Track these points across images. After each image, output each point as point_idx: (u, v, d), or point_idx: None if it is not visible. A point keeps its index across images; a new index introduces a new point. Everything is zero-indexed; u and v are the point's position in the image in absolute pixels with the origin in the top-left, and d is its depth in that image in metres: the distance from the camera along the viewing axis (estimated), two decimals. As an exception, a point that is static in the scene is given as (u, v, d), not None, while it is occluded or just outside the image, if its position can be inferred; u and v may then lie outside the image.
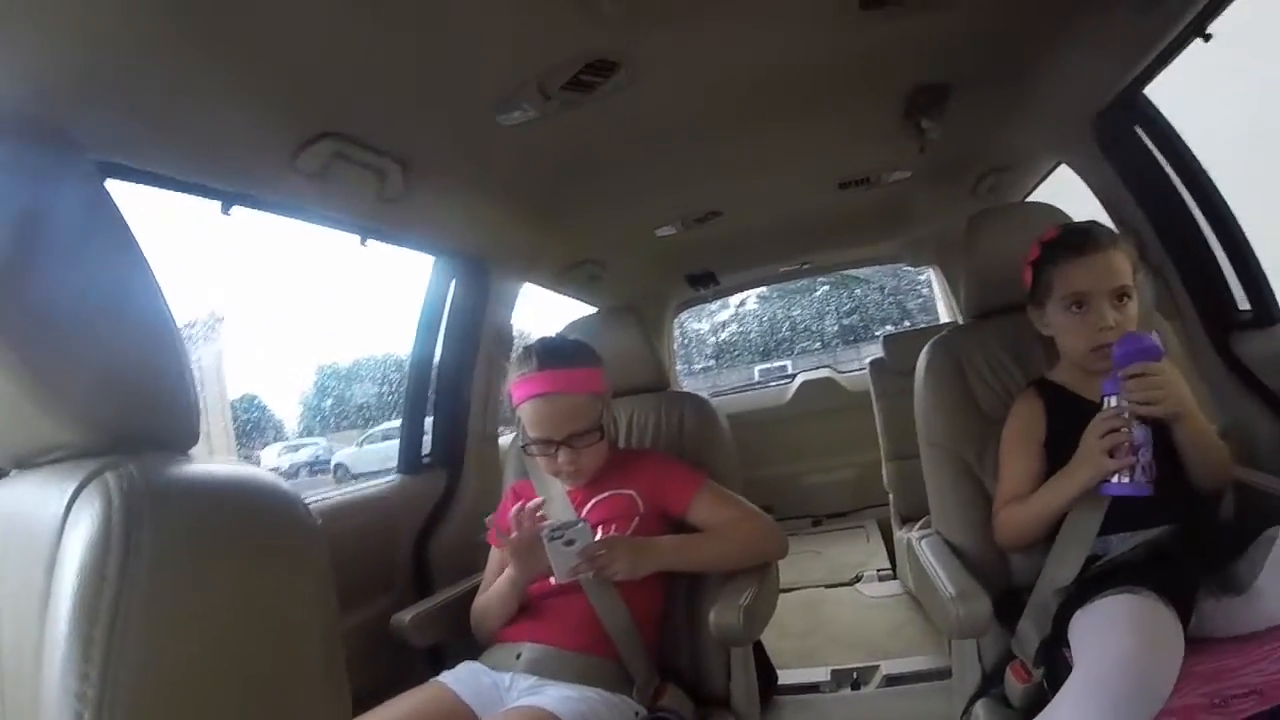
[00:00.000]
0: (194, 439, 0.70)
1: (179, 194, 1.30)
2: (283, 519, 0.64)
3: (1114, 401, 1.26)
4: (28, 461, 0.69)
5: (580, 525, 1.37)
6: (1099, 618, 1.14)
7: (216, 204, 1.37)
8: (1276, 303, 1.58)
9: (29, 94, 0.90)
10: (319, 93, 1.22)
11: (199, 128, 1.17)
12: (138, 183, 1.19)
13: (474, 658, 1.49)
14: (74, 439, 0.64)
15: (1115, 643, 1.05)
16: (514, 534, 1.43)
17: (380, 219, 1.67)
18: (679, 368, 4.88)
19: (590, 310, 2.46)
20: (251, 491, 0.64)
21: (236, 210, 1.39)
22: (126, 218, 0.71)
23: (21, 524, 0.62)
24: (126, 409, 0.66)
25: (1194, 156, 1.62)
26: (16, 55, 0.86)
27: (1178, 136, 1.62)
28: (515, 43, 1.22)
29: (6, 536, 0.65)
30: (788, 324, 24.96)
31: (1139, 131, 1.64)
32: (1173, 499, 1.29)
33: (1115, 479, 1.23)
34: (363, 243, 1.71)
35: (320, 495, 1.87)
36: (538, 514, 1.47)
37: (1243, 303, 1.61)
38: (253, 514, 0.63)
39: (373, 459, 14.45)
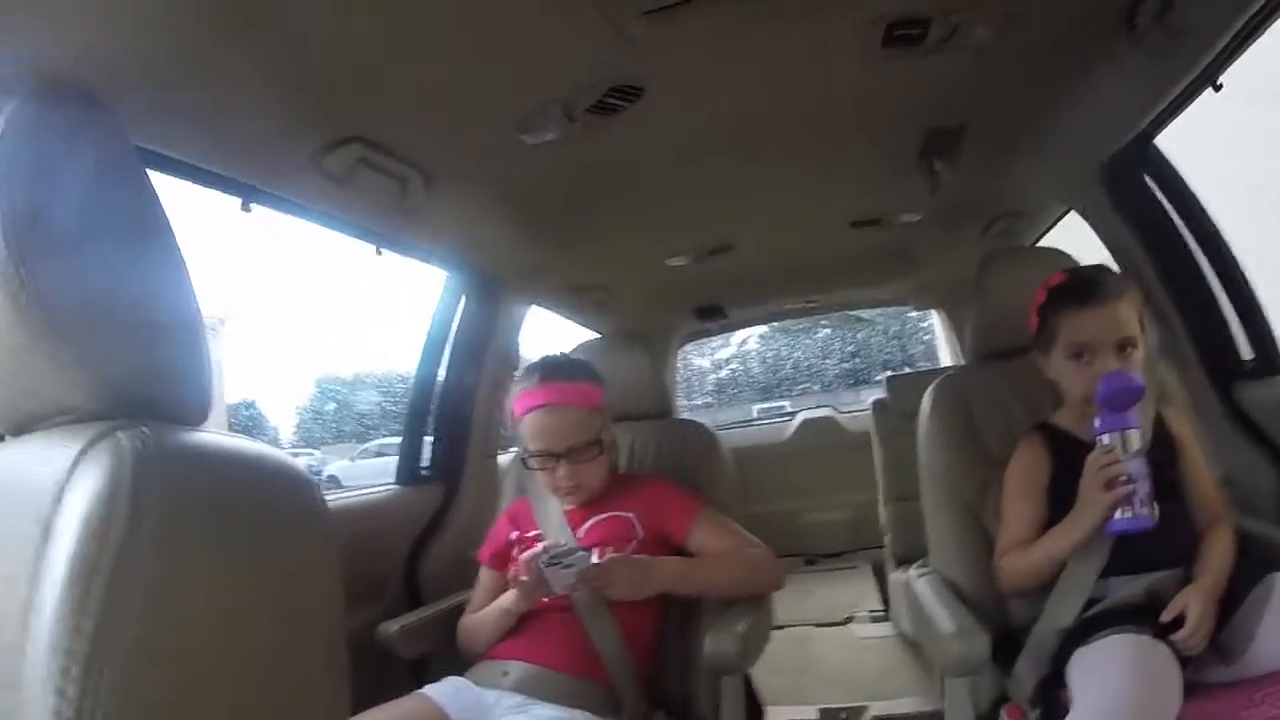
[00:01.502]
0: (205, 414, 0.69)
1: (202, 188, 1.30)
2: (295, 497, 0.64)
3: (1105, 440, 1.26)
4: (31, 425, 0.68)
5: (580, 553, 1.37)
6: (1098, 657, 1.14)
7: (236, 202, 1.37)
8: (1280, 353, 1.59)
9: (73, 62, 0.92)
10: (350, 96, 1.24)
11: (229, 119, 1.18)
12: (162, 171, 1.20)
13: (460, 673, 1.47)
14: (84, 402, 0.63)
15: (1114, 682, 1.04)
16: (523, 576, 1.40)
17: (398, 228, 1.69)
18: (679, 402, 4.88)
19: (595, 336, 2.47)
20: (265, 466, 0.63)
21: (256, 210, 1.40)
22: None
23: (20, 481, 0.60)
24: (141, 376, 0.65)
25: (1202, 206, 1.64)
26: (67, 22, 0.87)
27: (1186, 186, 1.65)
28: (545, 62, 1.24)
29: (4, 494, 0.63)
30: (790, 363, 24.99)
31: (1148, 180, 1.66)
32: (1174, 543, 1.29)
33: (1117, 515, 1.23)
34: (378, 252, 1.72)
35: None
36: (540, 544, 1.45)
37: (1246, 352, 1.62)
38: (265, 488, 0.62)
39: (366, 474, 14.36)
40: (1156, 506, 1.22)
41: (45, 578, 0.52)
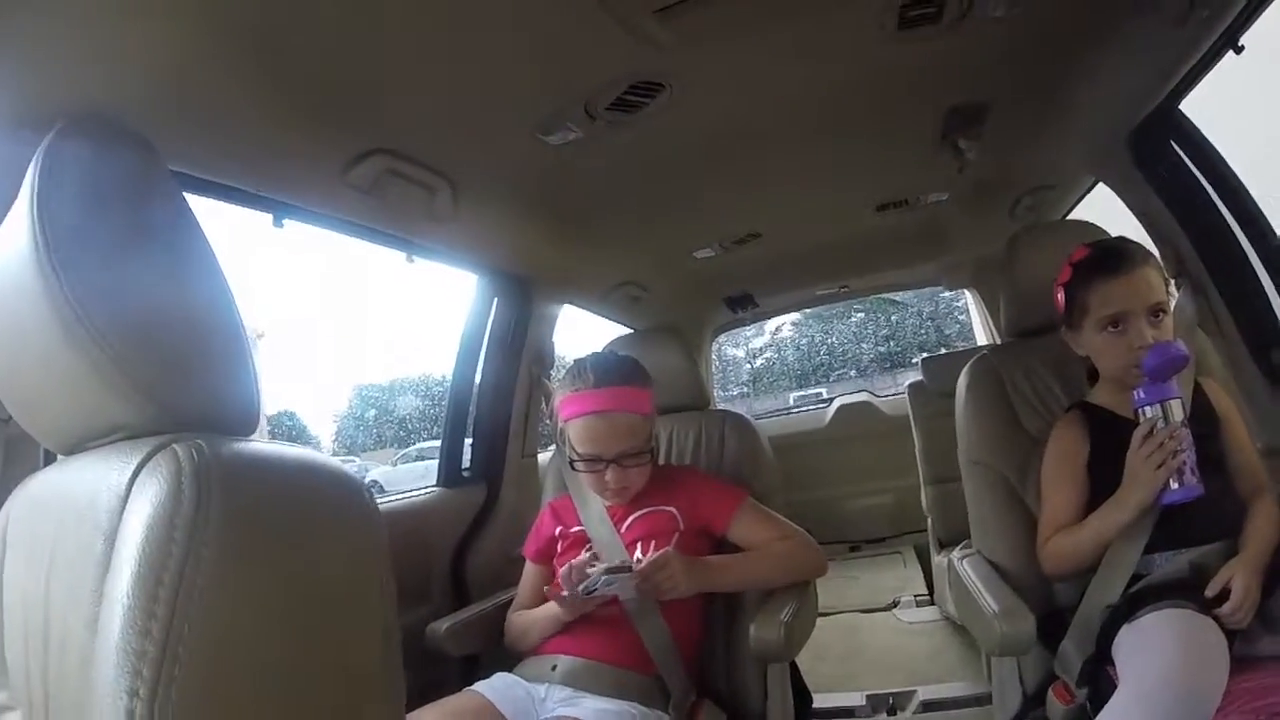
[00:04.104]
0: (254, 425, 0.72)
1: (233, 206, 1.34)
2: (347, 503, 0.65)
3: (1148, 412, 1.25)
4: (86, 444, 0.71)
5: (624, 575, 1.37)
6: (1145, 634, 1.13)
7: (267, 218, 1.42)
8: (1320, 317, 1.55)
9: (104, 92, 0.96)
10: (373, 109, 1.27)
11: (256, 139, 1.22)
12: (195, 193, 1.23)
13: (509, 669, 1.50)
14: (136, 419, 0.65)
15: (1161, 658, 1.04)
16: (565, 592, 1.40)
17: (427, 236, 1.71)
18: (715, 393, 4.87)
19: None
20: (317, 473, 0.65)
21: (289, 224, 1.44)
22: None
23: (81, 497, 0.63)
24: (189, 391, 0.67)
25: (1231, 171, 1.60)
26: (97, 56, 0.92)
27: (1214, 151, 1.61)
28: (563, 64, 1.26)
29: (64, 511, 0.66)
30: (824, 349, 24.77)
31: (1175, 147, 1.63)
32: (1218, 516, 1.28)
33: (1169, 485, 1.22)
34: (409, 259, 1.75)
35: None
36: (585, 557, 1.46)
37: None
38: (318, 493, 0.64)
39: (406, 478, 14.49)
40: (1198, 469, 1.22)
41: (112, 586, 0.54)
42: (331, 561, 0.63)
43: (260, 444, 0.64)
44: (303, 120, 1.23)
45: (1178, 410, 1.24)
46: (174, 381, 0.67)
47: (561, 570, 1.43)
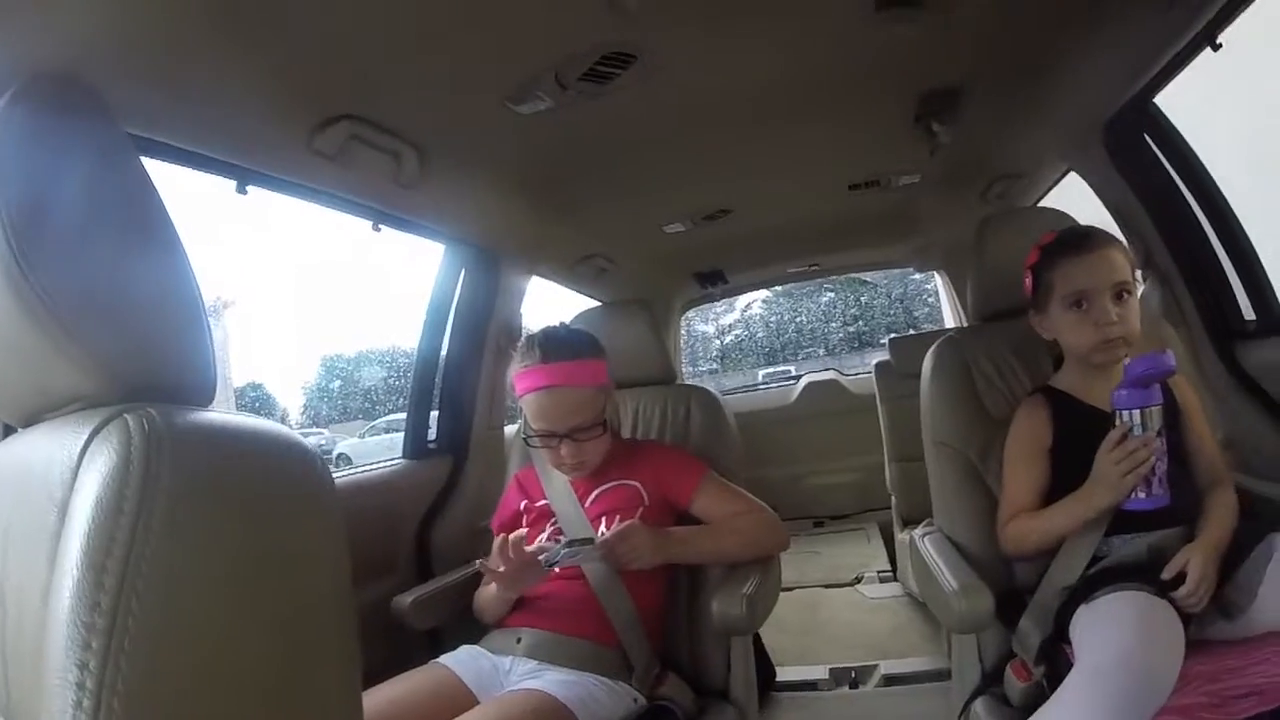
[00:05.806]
0: (211, 395, 0.70)
1: (196, 172, 1.30)
2: (299, 471, 0.64)
3: (1125, 417, 1.24)
4: (41, 415, 0.69)
5: (588, 547, 1.38)
6: (1101, 614, 1.15)
7: (231, 185, 1.38)
8: (1282, 312, 1.58)
9: (65, 53, 0.92)
10: (339, 74, 1.23)
11: (220, 103, 1.18)
12: (157, 157, 1.20)
13: (474, 642, 1.50)
14: (92, 390, 0.64)
15: (1117, 639, 1.05)
16: (500, 568, 1.40)
17: (394, 204, 1.68)
18: (684, 368, 4.88)
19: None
20: (270, 442, 0.63)
21: (252, 191, 1.40)
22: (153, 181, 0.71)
23: (34, 468, 0.61)
24: (145, 361, 0.66)
25: (1203, 166, 1.62)
26: (55, 12, 0.88)
27: (1187, 145, 1.63)
28: (536, 31, 1.23)
29: (19, 482, 0.64)
30: (793, 327, 24.92)
31: (1148, 139, 1.65)
32: (1176, 503, 1.29)
33: (1134, 495, 1.23)
34: (375, 228, 1.72)
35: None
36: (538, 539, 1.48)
37: (1248, 312, 1.61)
38: (271, 463, 0.63)
39: (375, 450, 14.41)
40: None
41: (63, 557, 0.53)
42: (281, 530, 0.61)
43: (213, 413, 0.62)
44: (267, 84, 1.19)
45: (1156, 418, 1.23)
46: (130, 351, 0.65)
47: (496, 543, 1.42)
